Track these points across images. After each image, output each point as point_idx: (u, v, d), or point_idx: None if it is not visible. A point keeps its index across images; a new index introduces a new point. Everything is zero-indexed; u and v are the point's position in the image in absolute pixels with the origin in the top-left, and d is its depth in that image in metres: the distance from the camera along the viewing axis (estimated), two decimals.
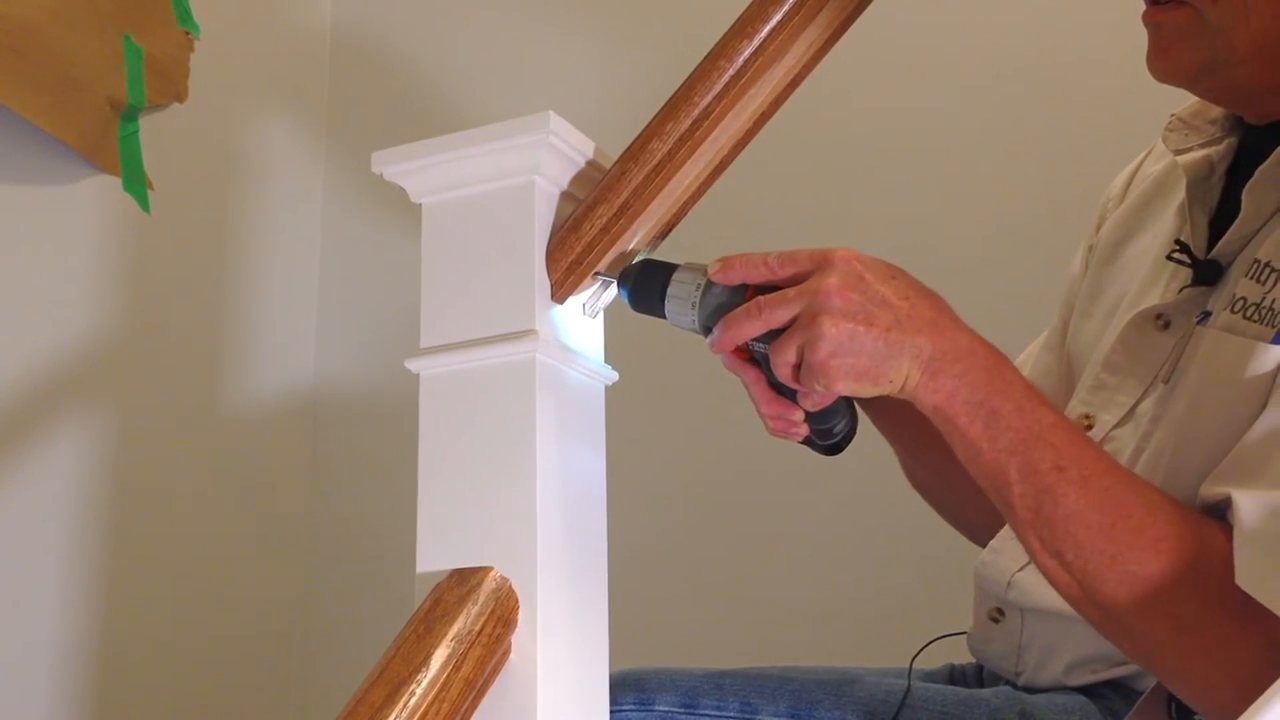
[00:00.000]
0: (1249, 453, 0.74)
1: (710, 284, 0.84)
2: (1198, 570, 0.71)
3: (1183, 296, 0.90)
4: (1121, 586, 0.72)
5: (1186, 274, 0.90)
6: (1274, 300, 0.78)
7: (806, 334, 0.76)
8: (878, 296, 0.76)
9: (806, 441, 0.96)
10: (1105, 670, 0.89)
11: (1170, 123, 0.97)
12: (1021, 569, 0.95)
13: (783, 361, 0.78)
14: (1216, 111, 0.94)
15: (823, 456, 1.02)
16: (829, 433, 0.94)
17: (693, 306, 0.85)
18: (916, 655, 1.00)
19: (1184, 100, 0.97)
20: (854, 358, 0.75)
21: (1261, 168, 0.84)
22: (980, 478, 0.77)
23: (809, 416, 0.91)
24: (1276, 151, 0.83)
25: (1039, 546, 0.75)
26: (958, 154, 1.80)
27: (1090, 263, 1.08)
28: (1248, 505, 0.71)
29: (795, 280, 0.78)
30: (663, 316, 0.88)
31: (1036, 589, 0.92)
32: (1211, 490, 0.75)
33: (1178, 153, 0.95)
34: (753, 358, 0.86)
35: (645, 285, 0.87)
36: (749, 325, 0.79)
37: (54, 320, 1.84)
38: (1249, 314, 0.80)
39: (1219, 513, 0.75)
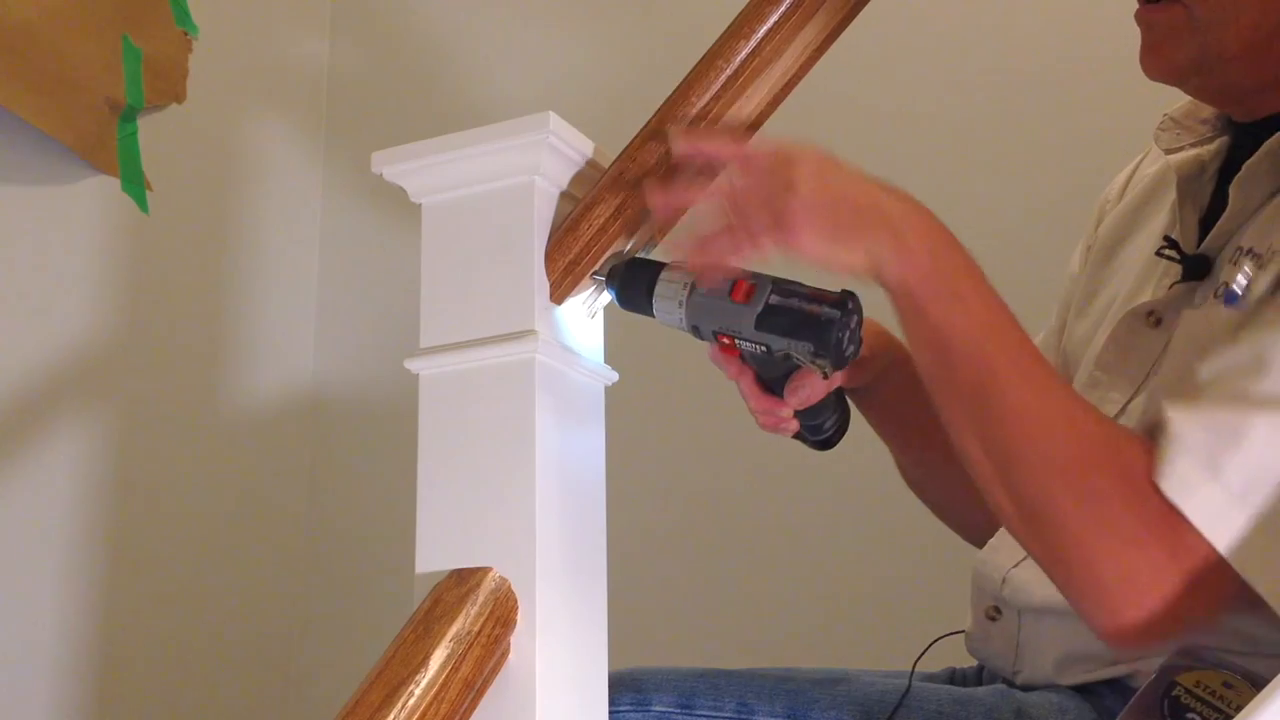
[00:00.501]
0: (1189, 382, 0.76)
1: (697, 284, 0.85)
2: (1122, 469, 0.72)
3: (1173, 293, 0.91)
4: (1039, 473, 0.73)
5: (1177, 271, 0.91)
6: (1251, 283, 0.80)
7: (780, 185, 0.77)
8: (853, 175, 0.79)
9: (799, 436, 0.98)
10: (1099, 669, 0.89)
11: (1162, 122, 0.98)
12: (1016, 565, 0.96)
13: (750, 221, 0.78)
14: (1208, 112, 0.95)
15: (821, 457, 1.03)
16: (819, 428, 0.96)
17: (680, 305, 0.86)
18: (920, 657, 1.00)
19: (1179, 99, 0.97)
20: (826, 217, 0.77)
21: (1249, 162, 0.85)
22: (928, 358, 0.78)
23: (798, 413, 0.92)
24: (1265, 145, 0.84)
25: (966, 428, 0.76)
26: (954, 154, 1.80)
27: (1088, 262, 1.08)
28: (1178, 416, 0.72)
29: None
30: (651, 315, 0.88)
31: (1031, 585, 0.93)
32: (1148, 414, 0.76)
33: (1169, 152, 0.97)
34: (741, 355, 0.87)
35: (633, 284, 0.88)
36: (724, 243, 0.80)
37: (53, 321, 1.84)
38: (1225, 298, 0.82)
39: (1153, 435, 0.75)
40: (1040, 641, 0.94)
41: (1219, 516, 0.69)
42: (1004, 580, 0.96)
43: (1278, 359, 0.72)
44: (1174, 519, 0.70)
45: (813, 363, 0.83)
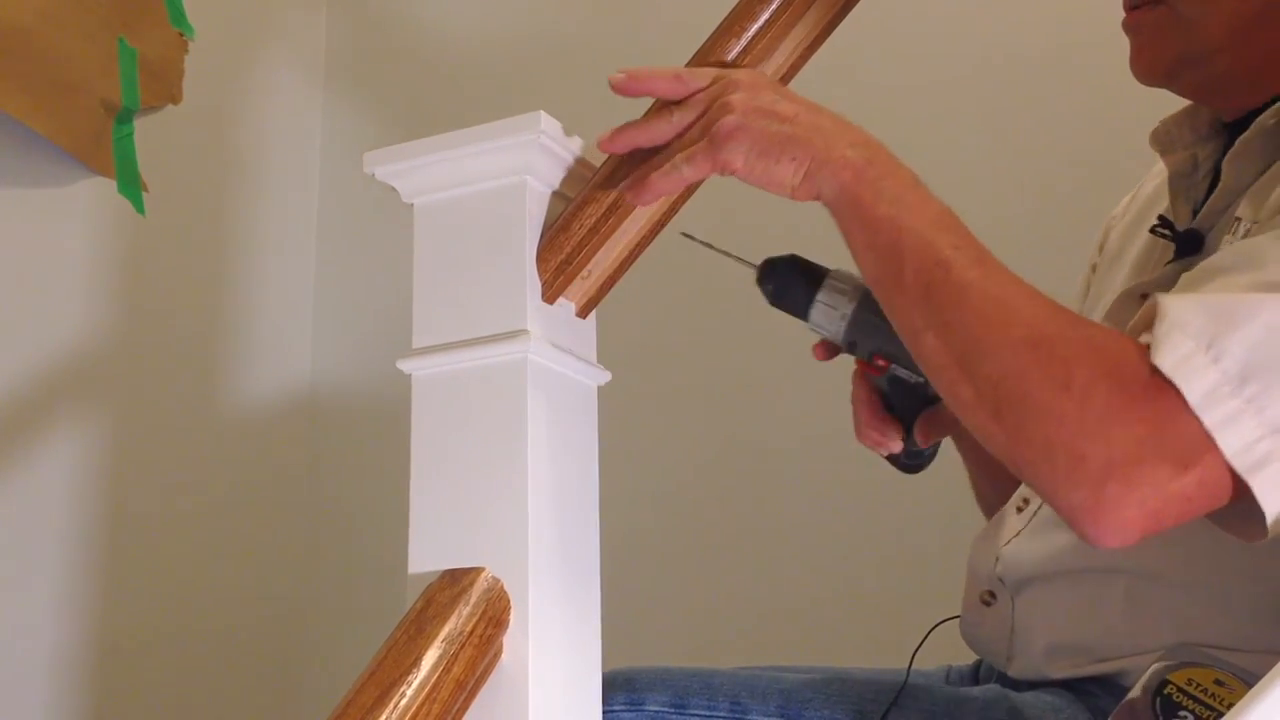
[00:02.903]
0: (1179, 284, 0.73)
1: (867, 298, 0.85)
2: (1094, 343, 0.67)
3: (1167, 270, 0.92)
4: (1003, 350, 0.68)
5: (1172, 253, 0.92)
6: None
7: (714, 108, 0.79)
8: (787, 94, 0.80)
9: (890, 457, 0.98)
10: (1087, 664, 0.89)
11: (1157, 127, 0.99)
12: (1008, 542, 0.96)
13: (686, 144, 0.80)
14: (1201, 118, 0.96)
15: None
16: (919, 454, 0.96)
17: (843, 317, 0.87)
18: (919, 646, 1.00)
19: (1177, 102, 0.98)
20: (756, 135, 0.77)
21: (1242, 137, 0.85)
22: (872, 261, 0.76)
23: (906, 442, 0.93)
24: (1257, 121, 0.84)
25: (921, 323, 0.72)
26: (948, 151, 1.80)
27: (1093, 281, 1.10)
28: (1172, 301, 0.68)
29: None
30: (802, 318, 0.89)
31: (1022, 554, 0.93)
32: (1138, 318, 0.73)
33: (1163, 153, 0.98)
34: (887, 378, 0.89)
35: (793, 284, 0.89)
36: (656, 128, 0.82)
37: (49, 322, 1.84)
38: None
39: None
40: (1032, 622, 0.94)
41: (1217, 401, 0.64)
42: (998, 558, 0.96)
43: (1271, 255, 0.69)
44: (1165, 400, 0.65)
45: None
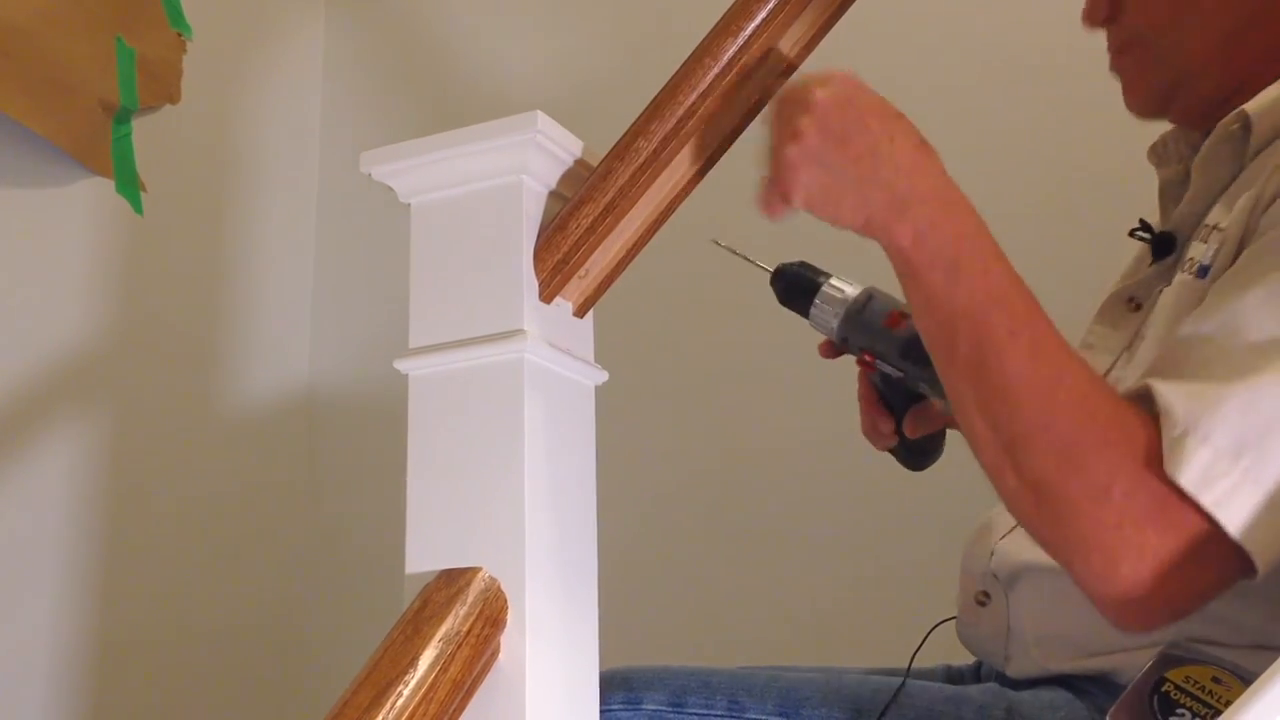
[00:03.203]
0: (1168, 353, 0.75)
1: (869, 299, 0.91)
2: (1129, 446, 0.69)
3: (1149, 273, 0.94)
4: (1049, 454, 0.70)
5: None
6: (1217, 254, 0.81)
7: (787, 134, 0.76)
8: (861, 123, 0.75)
9: (893, 451, 1.03)
10: (1082, 658, 0.89)
11: (1155, 141, 1.02)
12: (1002, 538, 0.97)
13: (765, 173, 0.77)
14: (1195, 136, 0.98)
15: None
16: (919, 450, 1.01)
17: (835, 316, 0.93)
18: (919, 647, 1.00)
19: None
20: (819, 174, 0.75)
21: (1207, 143, 0.87)
22: (927, 327, 0.76)
23: (903, 436, 0.98)
24: (1220, 125, 0.85)
25: (973, 405, 0.73)
26: (946, 149, 1.80)
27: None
28: (1168, 391, 0.70)
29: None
30: (805, 317, 0.95)
31: (1014, 547, 0.94)
32: (1134, 386, 0.75)
33: (1158, 165, 1.01)
34: (877, 373, 0.94)
35: (796, 286, 0.95)
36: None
37: (48, 323, 1.84)
38: (1198, 272, 0.83)
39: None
40: (1026, 617, 0.94)
41: (1223, 491, 0.67)
42: (991, 553, 0.97)
43: (1249, 318, 0.71)
44: (1175, 498, 0.68)
45: (939, 397, 0.89)
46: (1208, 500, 0.67)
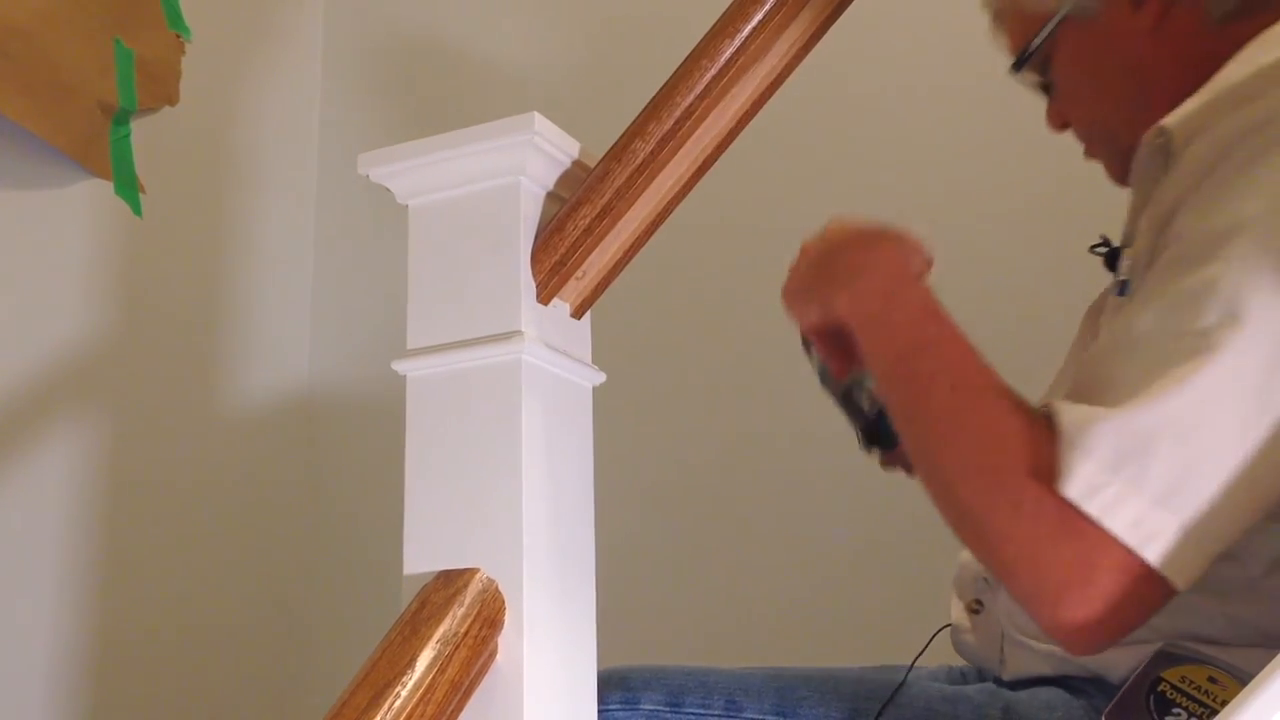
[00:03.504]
0: (1079, 371, 0.79)
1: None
2: (1034, 465, 0.72)
3: (1108, 289, 0.98)
4: (969, 481, 0.74)
5: None
6: (1132, 271, 0.85)
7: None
8: (813, 256, 0.92)
9: (857, 430, 1.07)
10: (1071, 659, 0.90)
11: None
12: None
13: None
14: None
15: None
16: (873, 423, 1.04)
17: (814, 362, 1.02)
18: (921, 652, 1.00)
19: None
20: (800, 289, 0.91)
21: (1135, 158, 0.89)
22: (879, 384, 0.85)
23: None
24: (1143, 140, 0.87)
25: (915, 448, 0.80)
26: (943, 150, 1.80)
27: None
28: (1063, 410, 0.73)
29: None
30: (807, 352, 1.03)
31: None
32: (1041, 405, 0.78)
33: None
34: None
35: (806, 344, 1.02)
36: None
37: (47, 324, 1.84)
38: (1120, 289, 0.87)
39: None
40: (1017, 618, 0.94)
41: (1107, 501, 0.70)
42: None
43: (1135, 342, 0.74)
44: (1074, 510, 0.70)
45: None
46: (1094, 510, 0.69)
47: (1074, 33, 0.98)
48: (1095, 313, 1.02)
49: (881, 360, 0.82)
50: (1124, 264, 0.87)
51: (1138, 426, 0.70)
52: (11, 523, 1.75)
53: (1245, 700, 0.61)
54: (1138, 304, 0.77)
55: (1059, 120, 1.06)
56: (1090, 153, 1.05)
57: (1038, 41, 0.99)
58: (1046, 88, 1.05)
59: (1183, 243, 0.76)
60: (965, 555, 1.01)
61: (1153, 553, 0.68)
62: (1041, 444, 0.73)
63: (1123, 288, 0.85)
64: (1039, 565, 0.71)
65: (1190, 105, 0.84)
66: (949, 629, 1.02)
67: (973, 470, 0.74)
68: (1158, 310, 0.74)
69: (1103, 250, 1.01)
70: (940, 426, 0.77)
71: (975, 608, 0.98)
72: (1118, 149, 0.96)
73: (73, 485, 1.84)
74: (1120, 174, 0.98)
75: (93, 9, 1.89)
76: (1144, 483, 0.69)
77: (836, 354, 0.94)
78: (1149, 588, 0.69)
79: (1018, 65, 1.03)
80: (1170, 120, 0.84)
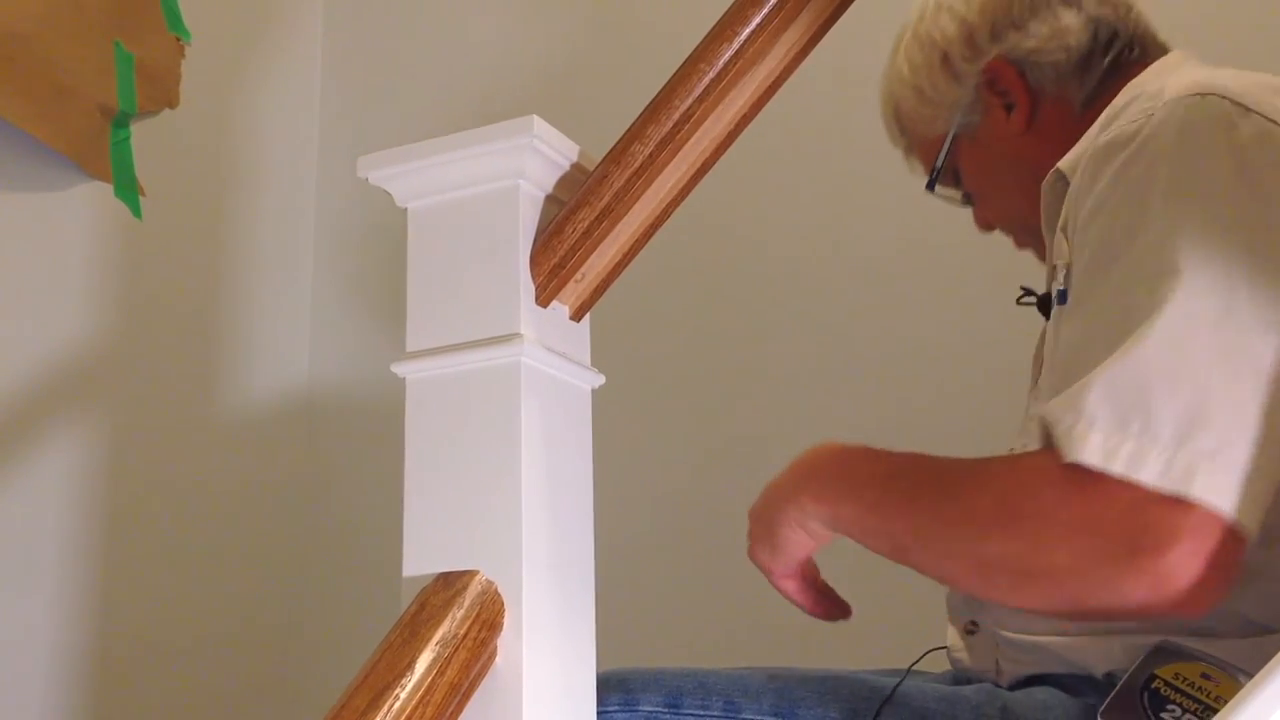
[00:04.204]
0: (1053, 380, 0.81)
1: None
2: (1042, 478, 0.74)
3: (1044, 331, 1.04)
4: (1001, 542, 0.76)
5: None
6: (1066, 279, 0.88)
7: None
8: (754, 512, 0.97)
9: None
10: (1052, 660, 0.91)
11: None
12: None
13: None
14: None
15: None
16: None
17: None
18: (917, 661, 1.00)
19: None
20: (757, 543, 0.95)
21: (1041, 202, 0.97)
22: (875, 536, 0.87)
23: None
24: (1044, 184, 0.96)
25: (932, 566, 0.83)
26: None
27: None
28: (1050, 407, 0.75)
29: None
30: None
31: None
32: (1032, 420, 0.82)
33: None
34: None
35: None
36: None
37: (47, 326, 1.84)
38: (1059, 299, 0.92)
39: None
40: (1006, 621, 0.95)
41: (1129, 457, 0.70)
42: None
43: (1091, 324, 0.78)
44: (1109, 489, 0.71)
45: None
46: (1119, 469, 0.70)
47: (967, 146, 1.12)
48: (1039, 359, 1.05)
49: (860, 526, 0.86)
50: (1059, 275, 0.90)
51: (1125, 381, 0.72)
52: (12, 523, 1.75)
53: (1245, 700, 0.61)
54: (1079, 305, 0.81)
55: (983, 222, 1.18)
56: (1019, 243, 1.16)
57: (940, 161, 1.13)
58: (966, 198, 1.18)
59: (1101, 243, 0.81)
60: (951, 591, 1.02)
61: (1198, 489, 0.69)
62: (1032, 460, 0.76)
63: (1062, 296, 0.89)
64: (1097, 555, 0.71)
65: (1077, 149, 0.93)
66: (944, 650, 1.03)
67: (991, 527, 0.76)
68: (1101, 298, 0.78)
69: (1030, 300, 1.08)
70: (942, 532, 0.80)
71: (971, 629, 1.00)
72: (1035, 232, 1.04)
73: (73, 485, 1.84)
74: (1044, 252, 1.04)
75: (93, 12, 1.89)
76: (1157, 429, 0.70)
77: (808, 593, 0.99)
78: (1210, 525, 0.69)
79: (930, 184, 1.16)
80: (1061, 162, 0.94)
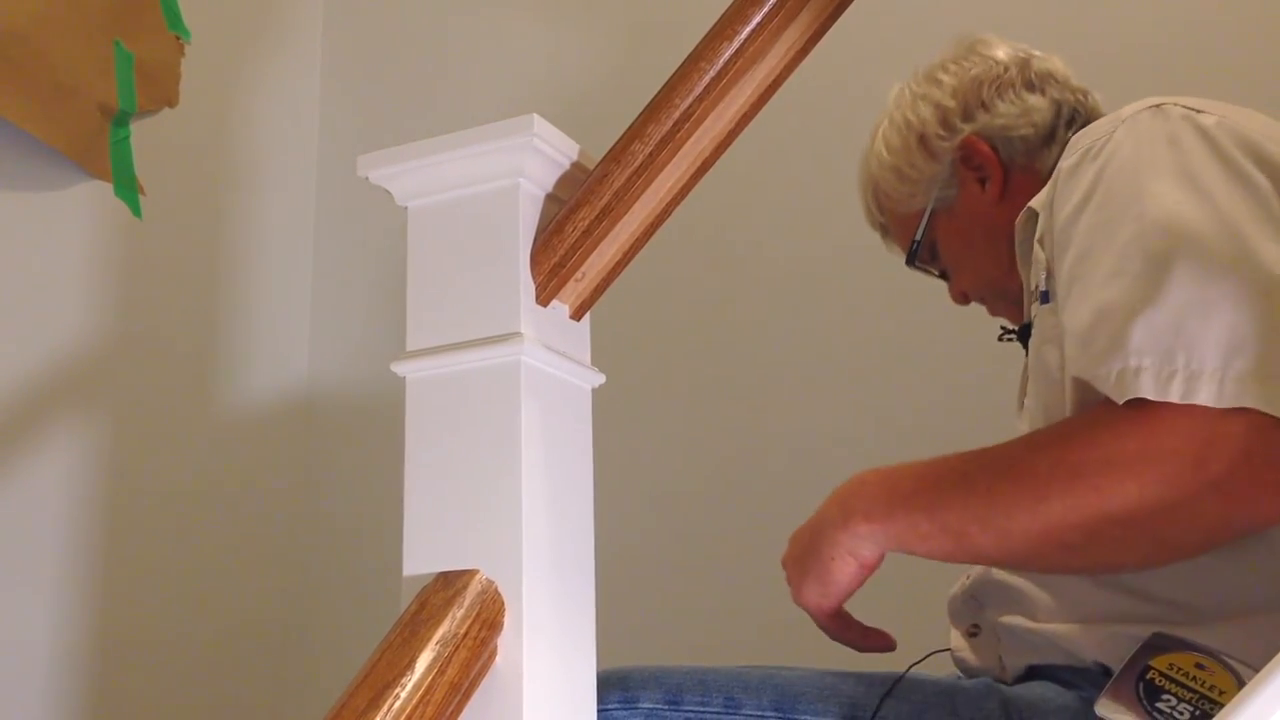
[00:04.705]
0: (1070, 354, 0.84)
1: None
2: (1098, 429, 0.77)
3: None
4: (1063, 493, 0.78)
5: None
6: (1047, 280, 0.92)
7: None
8: (793, 556, 0.96)
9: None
10: (1049, 620, 0.92)
11: None
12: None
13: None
14: None
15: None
16: None
17: None
18: (918, 662, 1.00)
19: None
20: (803, 583, 0.94)
21: (1016, 238, 1.01)
22: (946, 558, 0.88)
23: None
24: (1015, 227, 1.01)
25: (995, 554, 0.86)
26: None
27: None
28: (1083, 362, 0.80)
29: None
30: None
31: (978, 568, 1.00)
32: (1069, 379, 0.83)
33: None
34: None
35: None
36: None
37: (46, 325, 1.84)
38: (1041, 299, 0.95)
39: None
40: (1002, 617, 0.96)
41: (1210, 388, 0.73)
42: (968, 575, 1.01)
43: (1108, 286, 0.81)
44: (1169, 418, 0.74)
45: None
46: (1176, 396, 0.74)
47: (944, 220, 1.18)
48: (1025, 382, 1.06)
49: (927, 515, 0.85)
50: (1039, 277, 0.94)
51: (1161, 322, 0.76)
52: (12, 523, 1.75)
53: (1244, 700, 0.61)
54: (1085, 278, 0.83)
55: (959, 294, 1.23)
56: (993, 311, 1.21)
57: (918, 235, 1.19)
58: (943, 274, 1.23)
59: (1097, 224, 0.84)
60: (955, 594, 1.03)
61: (1250, 399, 0.72)
62: (1076, 419, 0.80)
63: (1045, 296, 0.92)
64: (1167, 480, 0.73)
65: (1042, 192, 0.96)
66: (948, 652, 1.03)
67: (1051, 485, 0.78)
68: (1113, 260, 0.81)
69: (1011, 336, 1.13)
70: (1007, 495, 0.80)
71: (973, 631, 1.00)
72: (1009, 297, 1.11)
73: (73, 485, 1.84)
74: (1018, 316, 1.11)
75: (92, 11, 1.89)
76: (1202, 357, 0.74)
77: (849, 627, 0.97)
78: (1270, 431, 0.73)
79: (910, 260, 1.21)
80: (1032, 201, 0.98)
